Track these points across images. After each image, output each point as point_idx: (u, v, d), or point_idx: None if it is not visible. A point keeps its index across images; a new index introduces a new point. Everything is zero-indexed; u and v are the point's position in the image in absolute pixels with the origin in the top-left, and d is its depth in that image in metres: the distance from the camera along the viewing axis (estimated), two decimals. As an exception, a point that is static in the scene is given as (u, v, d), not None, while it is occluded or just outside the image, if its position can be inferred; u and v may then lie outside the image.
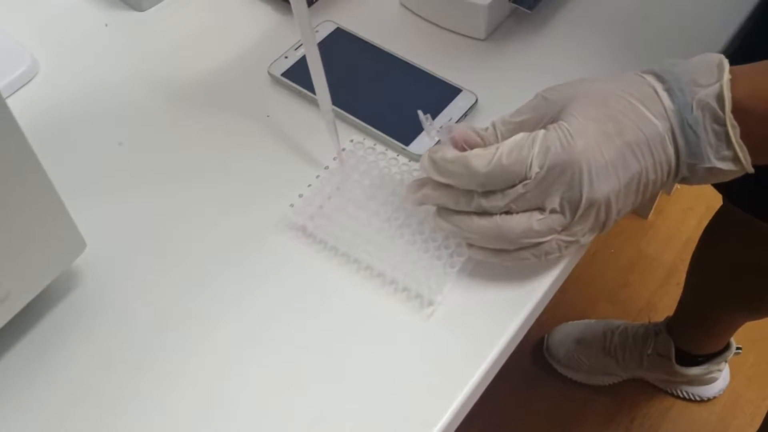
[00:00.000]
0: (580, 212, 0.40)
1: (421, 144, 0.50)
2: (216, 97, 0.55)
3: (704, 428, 1.22)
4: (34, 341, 0.44)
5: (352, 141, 0.50)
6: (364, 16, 0.60)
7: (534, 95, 0.43)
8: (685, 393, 1.23)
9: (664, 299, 1.35)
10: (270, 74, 0.56)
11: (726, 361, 1.18)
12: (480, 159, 0.40)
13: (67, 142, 0.53)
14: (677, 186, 1.47)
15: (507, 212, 0.41)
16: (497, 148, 0.40)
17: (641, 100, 0.40)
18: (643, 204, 1.46)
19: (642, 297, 1.36)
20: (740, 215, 0.83)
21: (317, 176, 0.48)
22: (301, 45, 0.57)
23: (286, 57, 0.56)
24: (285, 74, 0.55)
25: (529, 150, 0.39)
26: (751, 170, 0.41)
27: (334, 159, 0.49)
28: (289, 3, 0.61)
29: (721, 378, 1.21)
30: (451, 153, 0.41)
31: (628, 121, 0.40)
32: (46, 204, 0.39)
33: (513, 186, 0.40)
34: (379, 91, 0.54)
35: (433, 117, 0.49)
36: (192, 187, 0.50)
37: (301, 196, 0.47)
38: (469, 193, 0.41)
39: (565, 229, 0.41)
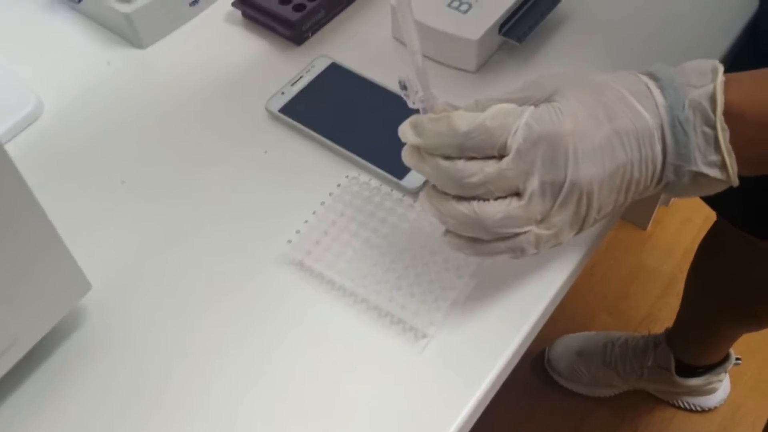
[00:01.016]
0: (561, 197, 0.38)
1: (414, 178, 0.51)
2: (214, 133, 0.57)
3: (705, 438, 1.23)
4: (41, 380, 0.45)
5: (347, 177, 0.51)
6: (359, 50, 0.61)
7: (525, 80, 0.42)
8: (686, 403, 1.23)
9: (664, 310, 1.36)
10: (267, 110, 0.57)
11: (726, 372, 1.19)
12: (463, 118, 0.38)
13: (71, 180, 0.54)
14: (675, 197, 1.49)
15: (485, 200, 0.39)
16: (483, 112, 0.38)
17: (634, 94, 0.39)
18: (639, 215, 1.45)
19: (642, 308, 1.37)
20: (734, 230, 0.84)
21: (314, 212, 0.50)
22: (298, 80, 0.58)
23: (282, 93, 0.58)
24: (282, 110, 0.57)
25: (515, 119, 0.38)
26: (736, 182, 0.40)
27: (339, 186, 0.49)
28: (284, 39, 0.63)
29: (721, 388, 1.22)
30: (433, 114, 0.40)
31: (619, 110, 0.39)
32: (49, 248, 0.41)
33: (492, 157, 0.38)
34: (373, 125, 0.55)
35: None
36: (193, 224, 0.52)
37: (298, 231, 0.49)
38: (447, 160, 0.39)
39: (544, 219, 0.39)
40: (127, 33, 0.63)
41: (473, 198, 0.39)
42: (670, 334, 1.17)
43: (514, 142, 0.37)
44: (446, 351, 0.45)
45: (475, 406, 0.43)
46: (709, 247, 1.00)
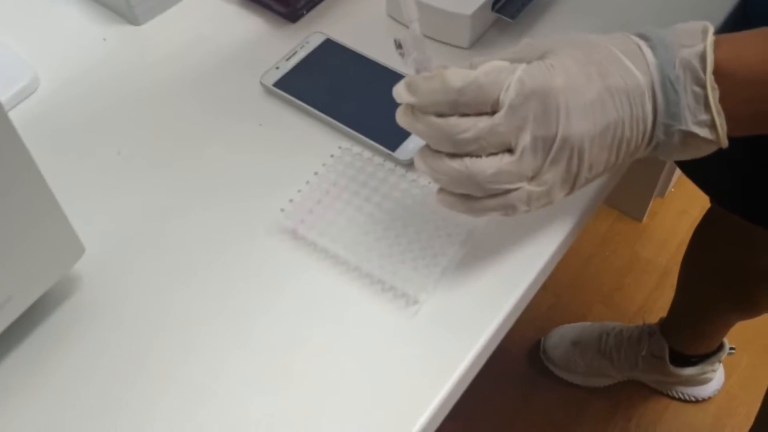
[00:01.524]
0: (553, 153, 0.39)
1: (407, 150, 0.52)
2: (210, 107, 0.57)
3: (699, 429, 1.23)
4: (33, 344, 0.45)
5: (340, 147, 0.52)
6: (353, 27, 0.62)
7: (521, 42, 0.42)
8: (680, 394, 1.24)
9: (659, 301, 1.36)
10: (262, 84, 0.58)
11: (720, 362, 1.19)
12: (456, 74, 0.38)
13: (67, 153, 0.55)
14: (671, 189, 1.49)
15: (477, 156, 0.39)
16: (476, 69, 0.39)
17: (625, 53, 0.40)
18: (634, 207, 1.46)
19: (637, 299, 1.38)
20: (728, 216, 0.84)
21: (307, 182, 0.50)
22: (292, 55, 0.59)
23: (277, 68, 0.58)
24: (276, 84, 0.57)
25: (508, 75, 0.38)
26: (725, 142, 0.40)
27: (332, 156, 0.50)
28: (279, 16, 0.63)
29: (715, 379, 1.23)
30: (426, 73, 0.40)
31: (611, 68, 0.39)
32: (46, 211, 0.41)
33: (485, 113, 0.38)
34: (366, 99, 0.56)
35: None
36: (187, 194, 0.52)
37: (291, 200, 0.49)
38: (440, 117, 0.39)
39: (535, 175, 0.40)
40: (124, 10, 0.63)
41: (466, 155, 0.39)
42: (664, 323, 1.17)
43: (507, 98, 0.38)
44: (438, 316, 0.45)
45: (466, 370, 0.44)
46: (704, 234, 1.00)
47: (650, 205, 1.46)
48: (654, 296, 1.38)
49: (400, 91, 0.41)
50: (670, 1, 0.63)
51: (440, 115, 0.39)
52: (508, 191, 0.40)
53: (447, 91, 0.38)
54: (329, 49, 0.60)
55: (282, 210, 0.49)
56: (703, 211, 1.00)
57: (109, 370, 0.44)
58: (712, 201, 0.91)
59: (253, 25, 0.63)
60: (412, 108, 0.41)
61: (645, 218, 1.47)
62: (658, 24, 0.60)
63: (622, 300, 1.38)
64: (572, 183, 0.41)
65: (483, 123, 0.38)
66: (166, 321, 0.46)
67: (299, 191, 0.50)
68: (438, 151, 0.40)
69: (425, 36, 0.60)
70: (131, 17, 0.64)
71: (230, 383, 0.43)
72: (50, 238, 0.42)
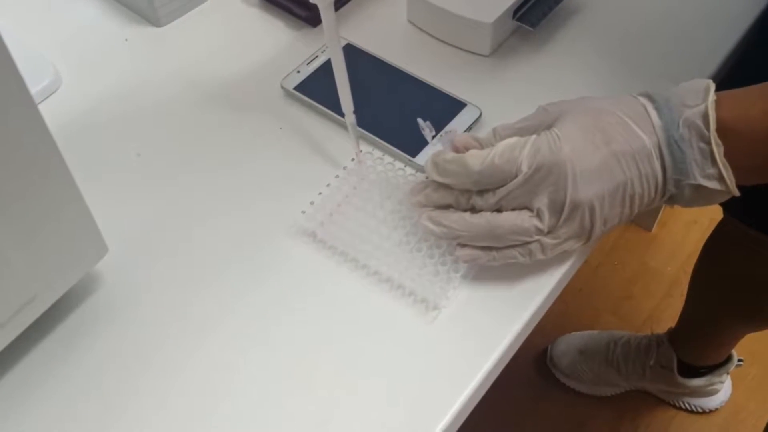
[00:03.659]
0: (564, 214, 0.42)
1: (427, 156, 0.52)
2: (230, 110, 0.58)
3: (706, 440, 1.23)
4: (56, 341, 0.46)
5: (361, 151, 0.52)
6: (374, 32, 0.62)
7: (537, 107, 0.46)
8: (687, 404, 1.24)
9: (667, 311, 1.36)
10: (283, 88, 0.58)
11: (728, 373, 1.19)
12: (475, 158, 0.43)
13: (87, 152, 0.55)
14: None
15: (498, 211, 0.43)
16: (492, 150, 0.43)
17: (631, 117, 0.43)
18: (644, 217, 1.46)
19: (645, 309, 1.37)
20: (740, 228, 0.84)
21: (327, 185, 0.50)
22: (313, 59, 0.59)
23: (298, 71, 0.58)
24: (297, 88, 0.57)
25: (520, 151, 0.42)
26: (735, 191, 0.43)
27: (352, 160, 0.52)
28: (300, 20, 0.63)
29: (722, 390, 1.22)
30: (450, 155, 0.44)
31: (616, 133, 0.42)
32: (73, 209, 0.41)
33: (505, 185, 0.42)
34: (387, 104, 0.56)
35: (439, 130, 0.52)
36: (207, 196, 0.52)
37: (312, 203, 0.49)
38: (467, 192, 0.44)
39: (551, 230, 0.43)
40: (146, 11, 0.64)
41: None
42: (672, 333, 1.17)
43: (520, 172, 0.42)
44: (457, 323, 0.46)
45: (484, 376, 0.44)
46: (715, 245, 1.00)
47: (660, 214, 1.45)
48: (662, 306, 1.37)
49: (429, 171, 0.45)
50: (687, 12, 0.63)
51: (467, 190, 0.44)
52: (526, 242, 0.43)
53: (468, 173, 0.43)
54: (350, 53, 0.60)
55: (303, 213, 0.49)
56: (713, 222, 1.00)
57: (126, 368, 0.45)
58: (724, 212, 0.91)
59: (274, 28, 0.64)
60: None
61: (654, 228, 1.47)
62: (674, 35, 0.61)
63: (630, 309, 1.37)
64: (588, 236, 0.44)
65: (501, 189, 0.43)
66: (184, 321, 0.46)
67: (320, 194, 0.50)
68: (456, 210, 0.44)
69: (447, 43, 0.61)
70: (153, 19, 0.64)
71: (247, 385, 0.44)
72: (76, 235, 0.43)
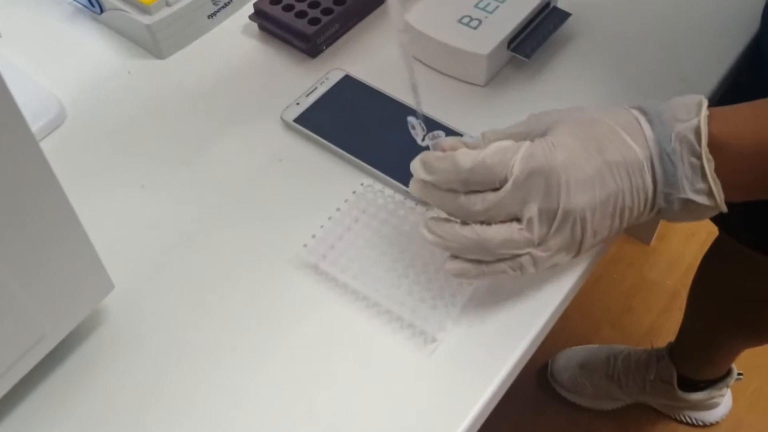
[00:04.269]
0: (556, 223, 0.42)
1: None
2: (231, 141, 0.59)
3: (707, 453, 1.24)
4: (62, 377, 0.46)
5: (362, 185, 0.53)
6: (371, 63, 0.63)
7: (528, 115, 0.46)
8: (687, 418, 1.24)
9: (667, 324, 1.37)
10: (283, 120, 0.59)
11: (728, 387, 1.20)
12: (466, 156, 0.42)
13: (92, 185, 0.56)
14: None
15: (487, 224, 0.42)
16: (484, 150, 0.42)
17: (624, 128, 0.43)
18: (642, 230, 1.46)
19: (645, 322, 1.38)
20: (736, 245, 0.85)
21: (329, 218, 0.51)
22: (312, 91, 0.60)
23: (297, 103, 0.60)
24: (297, 120, 0.59)
25: (513, 154, 0.41)
26: (723, 208, 0.43)
27: (354, 193, 0.52)
28: (300, 51, 0.65)
29: (723, 403, 1.23)
30: (440, 153, 0.44)
31: (609, 143, 0.42)
32: (78, 248, 0.42)
33: (494, 189, 0.42)
34: (385, 136, 0.57)
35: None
36: (209, 228, 0.53)
37: (313, 236, 0.50)
38: (452, 192, 0.43)
39: (541, 242, 0.42)
40: (148, 43, 0.65)
41: (476, 223, 0.43)
42: (672, 347, 1.18)
43: (511, 176, 0.41)
44: (455, 354, 0.46)
45: (482, 408, 0.45)
46: (713, 260, 1.01)
47: (658, 227, 1.46)
48: (662, 319, 1.38)
49: (416, 168, 0.44)
50: (679, 40, 0.64)
51: (453, 190, 0.43)
52: (516, 255, 0.43)
53: (458, 171, 0.42)
54: (348, 85, 0.61)
55: (305, 245, 0.50)
56: (711, 235, 1.01)
57: (131, 403, 0.45)
58: (720, 230, 0.92)
59: (273, 60, 0.65)
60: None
61: (653, 241, 1.48)
62: (668, 64, 0.62)
63: (630, 322, 1.38)
64: (578, 248, 0.44)
65: (490, 197, 0.42)
66: (187, 353, 0.47)
67: (321, 227, 0.51)
68: (449, 220, 0.44)
69: (442, 73, 0.62)
70: (156, 51, 0.65)
71: (249, 416, 0.44)
72: (81, 273, 0.44)
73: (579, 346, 1.30)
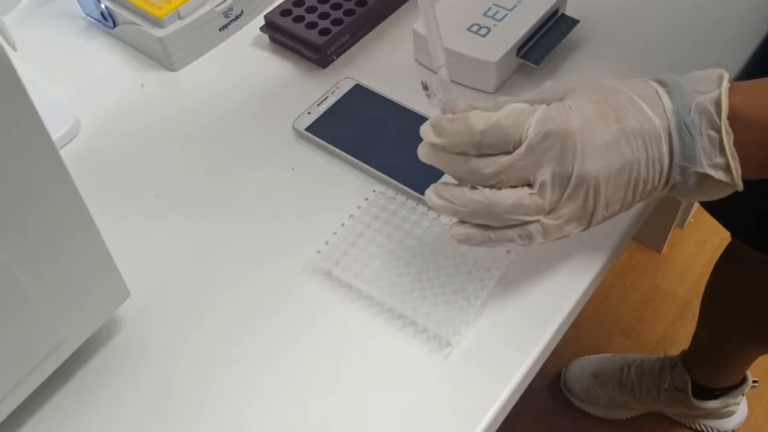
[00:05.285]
0: (569, 190, 0.40)
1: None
2: (243, 151, 0.59)
3: (724, 462, 1.22)
4: (79, 384, 0.47)
5: (374, 191, 0.53)
6: (382, 72, 0.64)
7: (544, 83, 0.44)
8: (703, 426, 1.23)
9: (680, 332, 1.36)
10: (294, 129, 0.60)
11: (743, 395, 1.19)
12: (479, 117, 0.41)
13: (107, 196, 0.57)
14: (690, 219, 1.50)
15: (498, 188, 0.41)
16: (497, 112, 0.41)
17: (642, 97, 0.41)
18: (654, 237, 1.44)
19: (658, 331, 1.37)
20: (749, 251, 0.85)
21: (342, 224, 0.52)
22: (323, 100, 0.61)
23: (309, 113, 0.60)
24: (308, 129, 0.59)
25: (528, 116, 0.40)
26: (740, 185, 0.41)
27: (366, 199, 0.51)
28: (310, 62, 0.65)
29: (739, 411, 1.22)
30: (452, 115, 0.42)
31: (627, 111, 0.41)
32: (97, 256, 0.43)
33: (507, 153, 0.40)
34: (396, 143, 0.58)
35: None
36: (223, 236, 0.54)
37: (327, 243, 0.51)
38: (463, 156, 0.41)
39: (552, 209, 0.41)
40: (160, 56, 0.66)
41: (486, 187, 0.41)
42: (686, 356, 1.17)
43: (526, 138, 0.40)
44: (470, 358, 0.46)
45: (497, 413, 0.45)
46: (725, 266, 1.00)
47: (670, 235, 1.46)
48: (675, 327, 1.37)
49: (426, 132, 0.42)
50: (688, 47, 0.64)
51: (464, 153, 0.41)
52: (525, 223, 0.41)
53: (471, 133, 0.40)
54: (359, 94, 0.62)
55: (318, 252, 0.50)
56: (722, 241, 1.01)
57: (144, 410, 0.46)
58: (732, 236, 0.92)
59: (284, 70, 0.66)
60: (434, 145, 0.42)
61: (665, 249, 1.47)
62: (675, 69, 0.62)
63: (642, 331, 1.37)
64: (589, 219, 0.42)
65: (503, 159, 0.40)
66: (202, 361, 0.48)
67: (334, 233, 0.51)
68: (457, 185, 0.42)
69: (453, 81, 0.62)
70: (168, 64, 0.66)
71: (262, 423, 0.45)
72: (98, 281, 0.44)
73: (592, 356, 1.29)
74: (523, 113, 0.40)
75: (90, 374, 0.47)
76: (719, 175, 0.41)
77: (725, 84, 0.41)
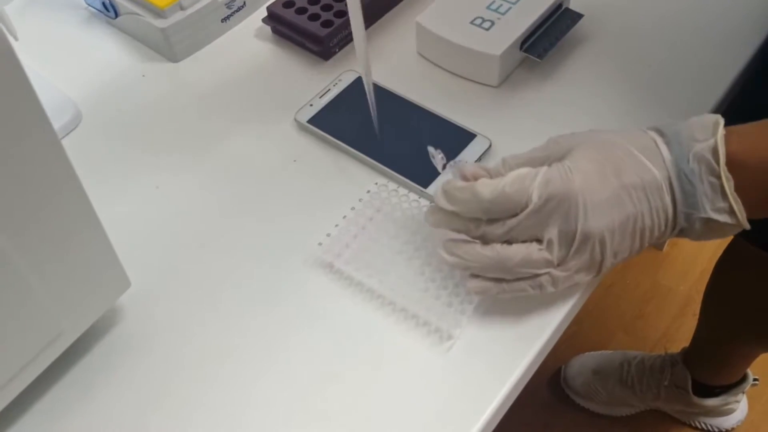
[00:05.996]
0: (575, 245, 0.42)
1: (437, 186, 0.53)
2: (245, 143, 0.59)
3: (723, 460, 1.22)
4: (79, 374, 0.47)
5: (376, 183, 0.53)
6: (385, 66, 0.63)
7: (547, 139, 0.47)
8: (703, 424, 1.23)
9: (680, 330, 1.36)
10: (296, 121, 0.59)
11: (743, 393, 1.19)
12: (486, 187, 0.43)
13: (107, 186, 0.56)
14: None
15: (508, 243, 0.43)
16: (502, 179, 0.43)
17: (641, 150, 0.43)
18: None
19: (658, 328, 1.37)
20: (750, 249, 0.85)
21: (344, 217, 0.51)
22: (326, 92, 0.61)
23: (311, 105, 0.60)
24: (310, 121, 0.59)
25: (531, 181, 0.42)
26: (746, 225, 0.43)
27: (368, 192, 0.52)
28: (313, 54, 0.65)
29: (739, 409, 1.22)
30: (461, 183, 0.45)
31: (626, 166, 0.43)
32: (97, 246, 0.43)
33: (515, 215, 0.43)
34: (399, 136, 0.57)
35: (450, 161, 0.53)
36: (224, 228, 0.54)
37: (328, 235, 0.50)
38: (476, 220, 0.44)
39: (561, 263, 0.43)
40: (162, 47, 0.66)
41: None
42: (687, 353, 1.17)
43: (531, 202, 0.42)
44: (471, 351, 0.46)
45: (497, 407, 0.45)
46: (726, 264, 1.00)
47: (671, 233, 1.45)
48: (676, 324, 1.37)
49: (439, 199, 0.45)
50: (692, 41, 0.64)
51: (475, 219, 0.44)
52: (536, 275, 0.43)
53: (479, 201, 0.43)
54: (361, 86, 0.61)
55: (319, 244, 0.50)
56: (724, 240, 1.00)
57: (144, 402, 0.46)
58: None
59: (286, 62, 0.65)
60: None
61: (666, 246, 1.47)
62: (679, 63, 0.62)
63: (643, 328, 1.37)
64: (598, 268, 0.44)
65: (512, 220, 0.43)
66: (202, 352, 0.47)
67: (336, 226, 0.51)
68: (468, 241, 0.45)
69: (455, 74, 0.62)
70: (170, 55, 0.66)
71: (262, 416, 0.44)
72: (99, 270, 0.44)
73: (592, 352, 1.29)
74: (526, 179, 0.43)
75: (90, 364, 0.47)
76: (724, 218, 0.42)
77: (720, 131, 0.42)
